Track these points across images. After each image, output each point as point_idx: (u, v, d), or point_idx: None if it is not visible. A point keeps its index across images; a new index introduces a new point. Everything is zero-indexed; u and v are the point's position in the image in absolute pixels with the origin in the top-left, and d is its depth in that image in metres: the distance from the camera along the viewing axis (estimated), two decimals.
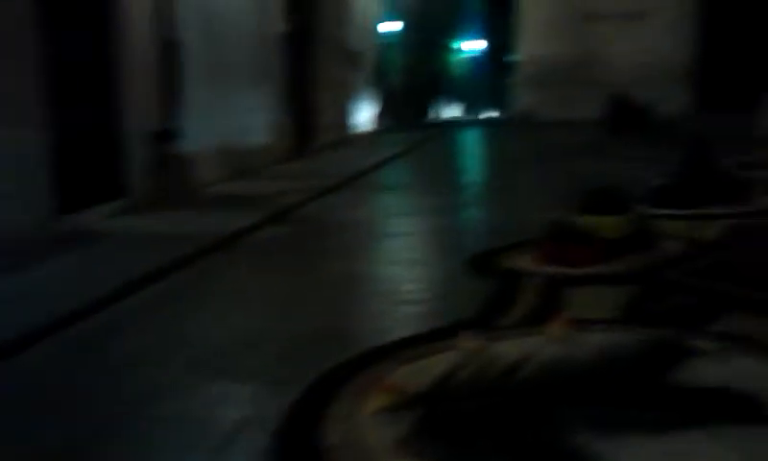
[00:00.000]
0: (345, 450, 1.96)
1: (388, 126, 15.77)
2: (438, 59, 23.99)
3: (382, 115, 16.11)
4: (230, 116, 7.85)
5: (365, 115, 14.49)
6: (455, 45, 25.77)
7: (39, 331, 3.10)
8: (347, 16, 13.19)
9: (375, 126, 15.14)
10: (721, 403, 2.02)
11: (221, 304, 3.69)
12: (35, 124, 4.90)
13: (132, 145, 6.17)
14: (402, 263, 4.47)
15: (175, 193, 6.37)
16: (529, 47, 17.08)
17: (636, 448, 1.85)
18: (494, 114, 21.56)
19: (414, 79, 19.87)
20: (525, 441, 1.88)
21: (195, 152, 6.85)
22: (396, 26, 18.07)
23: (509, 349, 2.41)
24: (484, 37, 25.69)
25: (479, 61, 26.69)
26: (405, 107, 18.72)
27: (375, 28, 16.01)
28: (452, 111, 24.45)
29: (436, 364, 2.33)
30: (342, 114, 12.94)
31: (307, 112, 10.90)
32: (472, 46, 26.46)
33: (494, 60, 23.67)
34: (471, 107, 25.53)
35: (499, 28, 19.77)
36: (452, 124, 19.83)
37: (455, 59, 26.10)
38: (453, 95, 25.20)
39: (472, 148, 13.84)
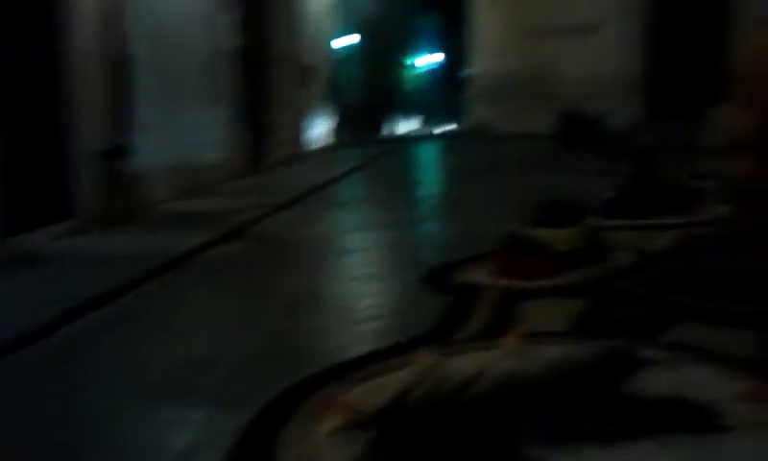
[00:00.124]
0: None
1: (344, 141, 15.76)
2: (394, 73, 24.09)
3: (338, 130, 16.09)
4: (182, 133, 7.74)
5: (320, 130, 14.45)
6: (411, 59, 25.94)
7: None
8: (300, 31, 13.16)
9: (331, 141, 15.11)
10: (672, 413, 2.04)
11: (173, 326, 3.62)
12: None
13: (81, 163, 6.03)
14: (359, 279, 4.45)
15: (126, 212, 6.24)
16: (483, 61, 17.26)
17: (589, 459, 1.87)
18: (451, 128, 21.72)
19: (370, 93, 19.90)
20: (480, 455, 1.88)
21: (146, 169, 6.72)
22: (353, 40, 18.09)
23: (464, 364, 2.41)
24: (441, 51, 25.92)
25: (436, 75, 26.89)
26: (361, 121, 18.73)
27: (330, 42, 16.00)
28: (409, 125, 24.57)
29: (392, 381, 2.32)
30: (296, 129, 12.89)
31: (261, 128, 10.83)
32: (429, 60, 26.67)
33: (451, 75, 23.88)
34: (428, 120, 25.70)
35: (455, 42, 19.94)
36: (408, 138, 19.92)
37: (412, 73, 26.25)
38: (410, 109, 25.32)
39: (428, 161, 13.92)
